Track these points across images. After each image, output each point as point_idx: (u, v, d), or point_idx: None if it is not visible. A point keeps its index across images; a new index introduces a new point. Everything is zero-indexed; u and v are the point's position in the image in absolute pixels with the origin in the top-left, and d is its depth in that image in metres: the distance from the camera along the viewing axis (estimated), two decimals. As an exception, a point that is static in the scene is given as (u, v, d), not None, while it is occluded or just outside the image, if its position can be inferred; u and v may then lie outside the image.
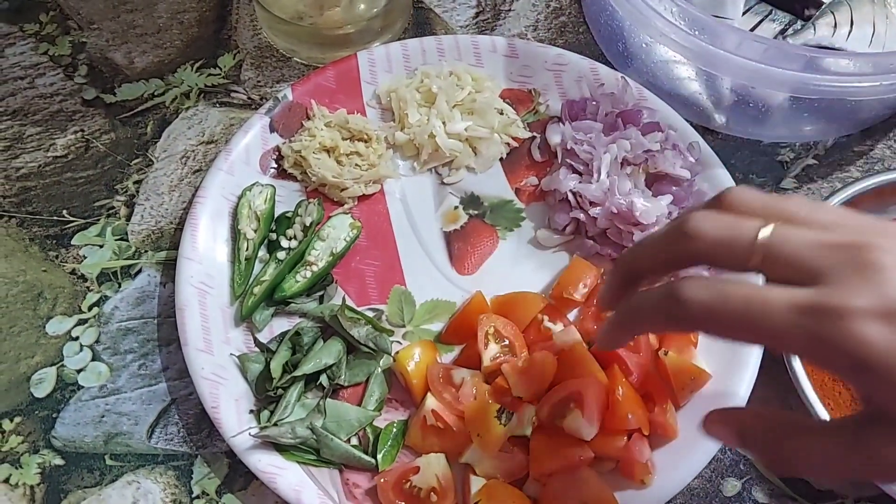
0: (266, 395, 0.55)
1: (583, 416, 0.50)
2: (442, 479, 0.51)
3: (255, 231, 0.61)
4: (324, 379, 0.55)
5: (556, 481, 0.50)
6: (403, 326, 0.60)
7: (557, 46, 0.71)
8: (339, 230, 0.62)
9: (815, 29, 0.66)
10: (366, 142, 0.65)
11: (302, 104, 0.67)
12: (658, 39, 0.63)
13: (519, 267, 0.62)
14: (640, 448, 0.51)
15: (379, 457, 0.53)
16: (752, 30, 0.68)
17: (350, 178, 0.63)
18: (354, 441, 0.55)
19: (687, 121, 0.67)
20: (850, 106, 0.67)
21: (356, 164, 0.64)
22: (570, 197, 0.62)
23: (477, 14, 0.76)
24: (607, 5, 0.69)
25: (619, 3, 0.63)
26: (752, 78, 0.61)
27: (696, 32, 0.60)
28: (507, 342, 0.55)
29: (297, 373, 0.54)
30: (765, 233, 0.34)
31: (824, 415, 0.53)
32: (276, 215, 0.63)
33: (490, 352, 0.54)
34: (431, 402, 0.53)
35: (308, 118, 0.66)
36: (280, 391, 0.55)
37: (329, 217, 0.63)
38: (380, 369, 0.56)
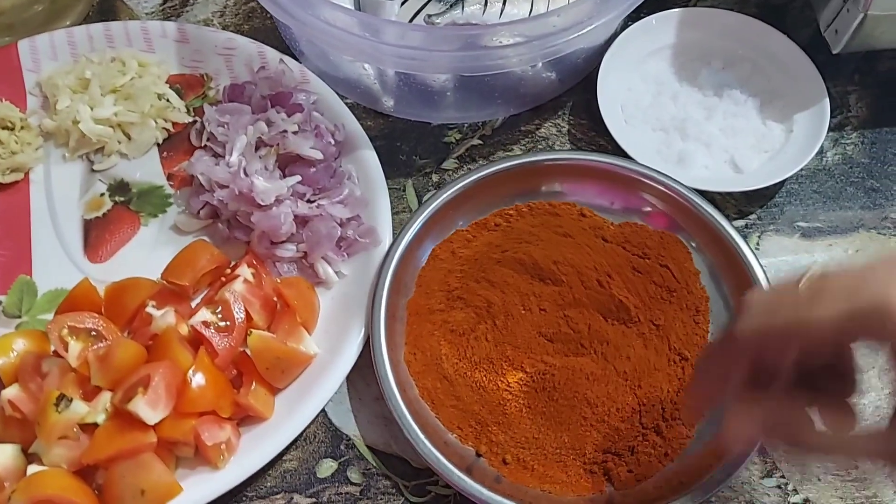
0: None
1: (145, 400, 0.48)
2: (2, 471, 0.49)
3: None
4: None
5: (116, 467, 0.49)
6: (20, 317, 0.58)
7: (243, 32, 0.70)
8: None
9: (462, 7, 0.65)
10: (10, 129, 0.64)
11: (-55, 92, 0.65)
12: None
13: (157, 253, 0.61)
14: (211, 431, 0.50)
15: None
16: (416, 13, 0.68)
17: (-15, 166, 0.61)
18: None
19: (360, 104, 0.66)
20: (513, 81, 0.66)
21: (-5, 153, 0.62)
22: (203, 180, 0.60)
23: (164, 1, 0.74)
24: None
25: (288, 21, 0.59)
26: (413, 66, 0.59)
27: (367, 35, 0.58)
28: (94, 332, 0.53)
29: None
30: None
31: None
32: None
33: (74, 351, 0.52)
34: (10, 391, 0.51)
35: (-52, 106, 0.64)
36: None
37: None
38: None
